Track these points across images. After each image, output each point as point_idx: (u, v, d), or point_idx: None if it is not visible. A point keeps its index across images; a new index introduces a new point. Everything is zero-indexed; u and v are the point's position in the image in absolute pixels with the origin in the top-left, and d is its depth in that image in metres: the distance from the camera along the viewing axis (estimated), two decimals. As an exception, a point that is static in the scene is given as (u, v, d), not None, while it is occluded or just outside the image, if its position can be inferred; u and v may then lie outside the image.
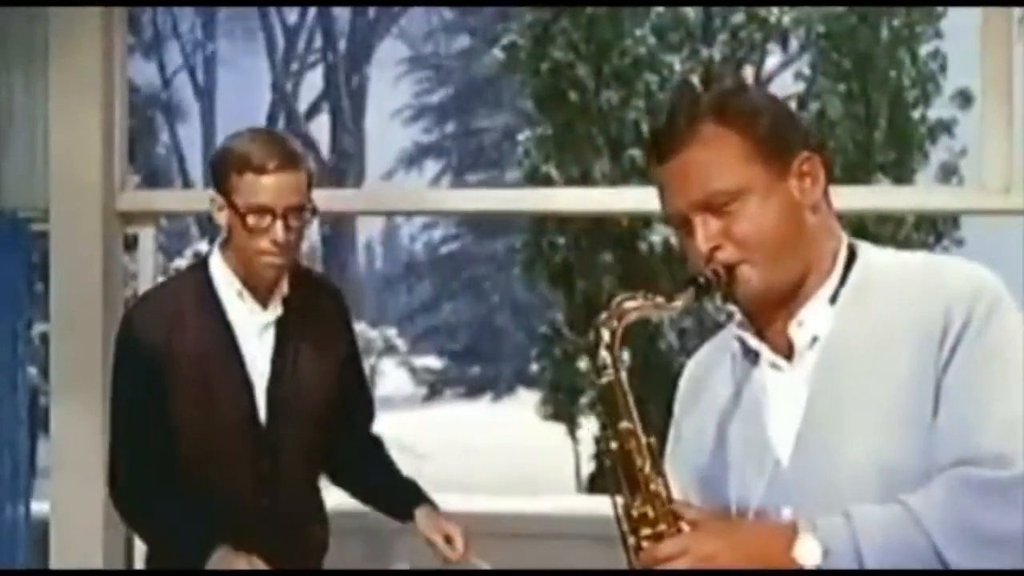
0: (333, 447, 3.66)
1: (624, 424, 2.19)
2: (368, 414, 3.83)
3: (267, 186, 3.37)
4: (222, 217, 3.46)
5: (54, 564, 4.93)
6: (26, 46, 5.07)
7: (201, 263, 3.61)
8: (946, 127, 18.48)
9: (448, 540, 3.51)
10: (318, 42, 27.27)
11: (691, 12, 18.63)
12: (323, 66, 27.31)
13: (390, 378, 26.90)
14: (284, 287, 3.54)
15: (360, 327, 22.34)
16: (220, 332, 3.50)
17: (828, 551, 2.08)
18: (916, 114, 18.45)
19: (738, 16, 18.59)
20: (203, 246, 20.88)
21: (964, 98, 17.88)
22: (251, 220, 3.37)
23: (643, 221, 17.09)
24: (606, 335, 2.19)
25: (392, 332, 27.17)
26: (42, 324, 5.75)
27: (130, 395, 3.53)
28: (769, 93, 2.51)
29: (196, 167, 26.14)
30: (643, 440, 2.18)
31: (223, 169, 3.43)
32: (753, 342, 2.34)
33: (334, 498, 3.81)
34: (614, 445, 2.19)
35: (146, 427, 3.47)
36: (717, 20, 18.73)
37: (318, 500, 3.72)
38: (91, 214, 4.97)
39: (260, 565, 3.31)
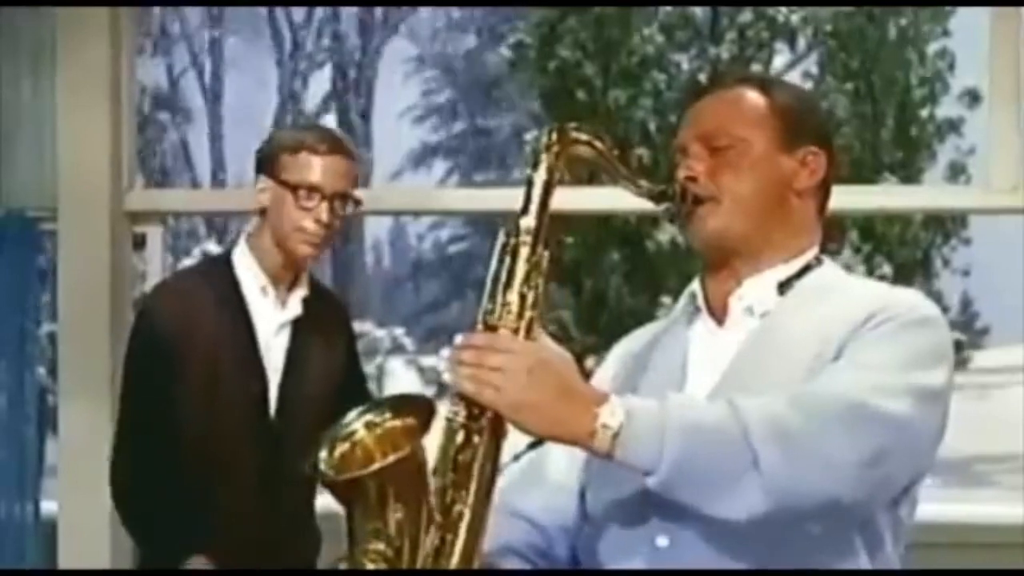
0: None
1: (528, 223, 2.18)
2: None
3: (319, 166, 3.46)
4: (265, 199, 3.50)
5: (62, 563, 4.94)
6: (34, 46, 5.09)
7: (223, 256, 3.64)
8: (954, 126, 18.45)
9: None
10: (326, 42, 27.25)
11: (699, 11, 18.62)
12: (330, 66, 27.29)
13: (398, 377, 26.85)
14: (305, 288, 3.57)
15: (368, 326, 22.36)
16: (239, 325, 3.52)
17: (631, 415, 2.02)
18: (924, 113, 18.43)
19: (746, 15, 18.58)
20: (211, 246, 20.91)
21: (972, 97, 17.84)
22: (301, 195, 3.43)
23: (650, 220, 17.08)
24: (553, 138, 2.29)
25: (400, 331, 27.13)
26: (50, 323, 5.75)
27: (141, 379, 3.53)
28: (814, 94, 2.62)
29: (203, 166, 26.13)
30: (538, 247, 2.16)
31: (274, 151, 3.51)
32: (700, 298, 2.38)
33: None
34: (512, 240, 2.18)
35: (153, 413, 3.48)
36: (725, 19, 18.71)
37: (312, 506, 3.73)
38: (99, 214, 4.98)
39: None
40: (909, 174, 17.82)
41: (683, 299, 2.43)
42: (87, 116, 5.00)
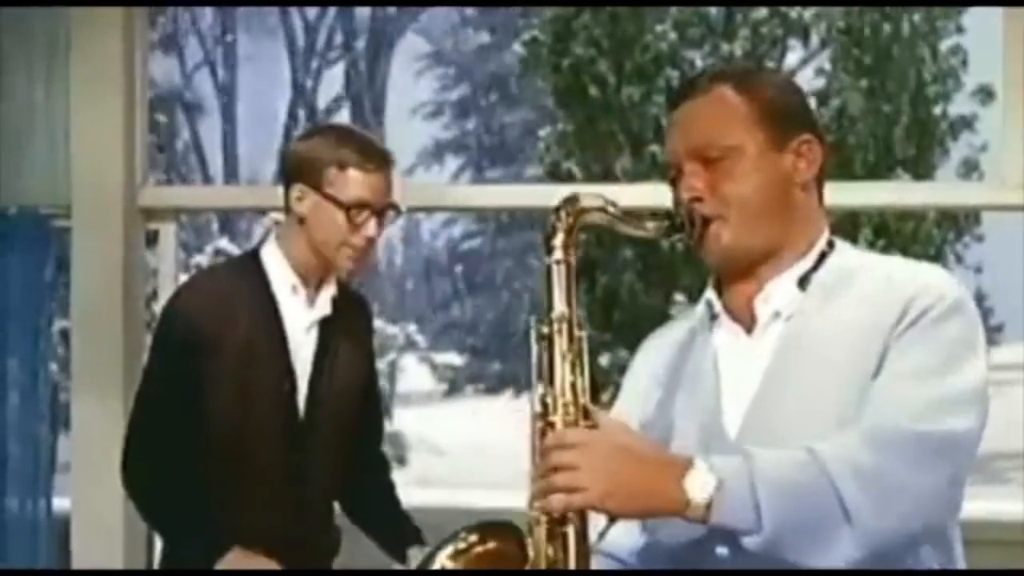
0: (351, 461, 3.69)
1: (560, 310, 2.18)
2: (379, 431, 3.88)
3: (371, 184, 3.46)
4: (303, 208, 3.49)
5: (75, 560, 4.95)
6: (48, 44, 5.09)
7: (251, 254, 3.63)
8: (967, 123, 18.39)
9: None
10: (338, 38, 27.25)
11: (712, 8, 18.59)
12: (343, 62, 27.29)
13: (410, 374, 26.86)
14: (333, 287, 3.58)
15: (380, 323, 22.33)
16: (271, 323, 3.52)
17: (723, 483, 2.04)
18: (937, 110, 18.37)
19: (759, 12, 18.55)
20: (224, 242, 20.91)
21: (985, 94, 17.78)
22: (352, 213, 3.43)
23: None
24: (565, 218, 2.21)
25: (412, 328, 27.12)
26: (63, 320, 5.76)
27: (166, 374, 3.51)
28: (788, 77, 2.59)
29: (216, 163, 26.14)
30: (575, 332, 2.17)
31: (318, 162, 3.48)
32: (718, 306, 2.37)
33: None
34: (544, 329, 2.18)
35: (177, 409, 3.47)
36: (738, 16, 18.68)
37: (331, 504, 3.74)
38: (112, 210, 4.99)
39: (270, 565, 3.33)
40: (922, 171, 17.77)
41: (701, 307, 2.42)
42: (100, 113, 5.01)
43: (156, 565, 3.94)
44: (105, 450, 4.72)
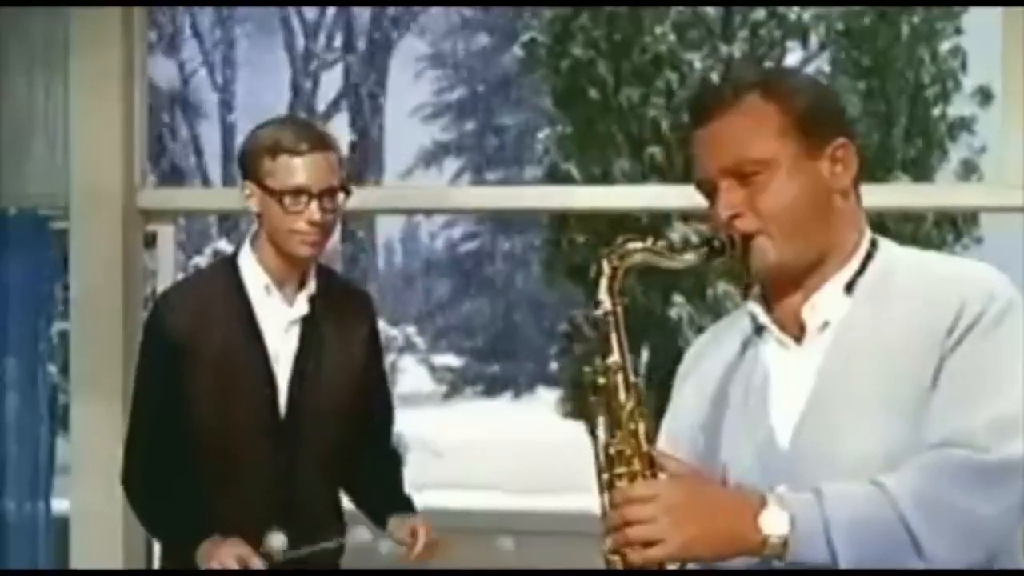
0: (351, 455, 3.68)
1: (614, 359, 2.17)
2: (387, 423, 3.87)
3: (302, 167, 3.41)
4: (253, 203, 3.49)
5: (74, 561, 4.95)
6: (47, 45, 5.09)
7: (230, 258, 3.63)
8: (966, 124, 18.40)
9: (412, 534, 3.50)
10: (337, 40, 27.25)
11: (711, 10, 18.59)
12: (342, 64, 27.29)
13: (410, 376, 26.85)
14: (312, 286, 3.57)
15: (379, 325, 22.28)
16: (246, 326, 3.52)
17: (795, 520, 2.06)
18: (936, 111, 18.38)
19: (758, 14, 18.55)
20: (222, 244, 20.91)
21: (984, 95, 17.79)
22: (287, 201, 3.40)
23: (663, 218, 17.06)
24: (607, 268, 2.19)
25: (412, 330, 27.13)
26: (62, 322, 5.76)
27: (152, 382, 3.55)
28: (815, 78, 2.54)
29: (215, 165, 26.19)
30: (630, 378, 2.17)
31: (255, 155, 3.46)
32: (763, 318, 2.34)
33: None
34: (600, 380, 2.17)
35: (164, 414, 3.50)
36: (737, 17, 18.68)
37: (335, 501, 3.72)
38: (111, 212, 4.99)
39: (244, 550, 3.33)
40: (921, 172, 17.78)
41: (744, 318, 2.40)
42: (100, 115, 5.01)
43: (156, 566, 3.95)
44: (104, 452, 4.72)
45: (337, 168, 3.48)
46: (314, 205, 3.42)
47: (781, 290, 2.32)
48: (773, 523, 2.06)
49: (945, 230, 18.05)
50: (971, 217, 17.40)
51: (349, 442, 3.65)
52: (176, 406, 3.48)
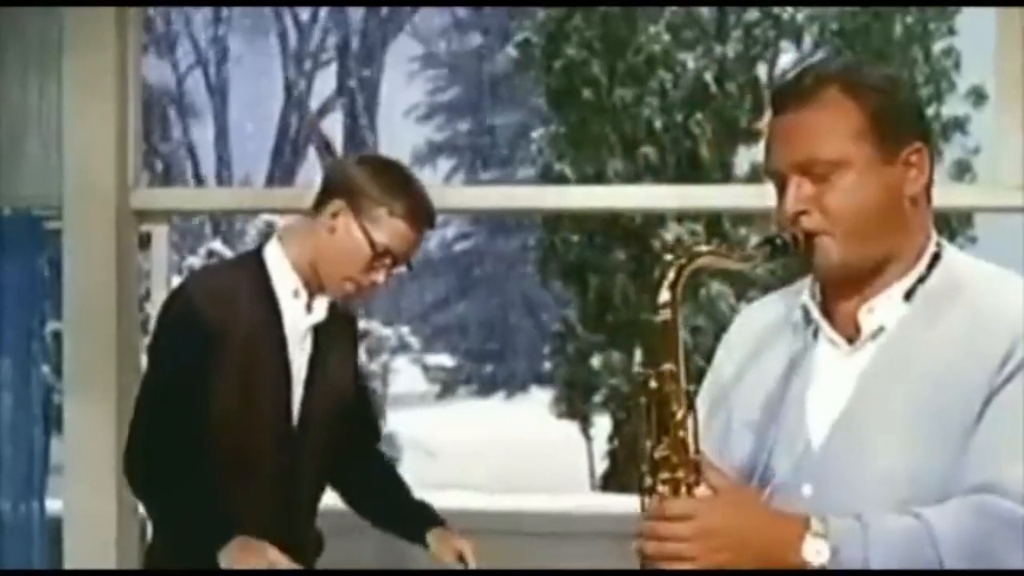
0: (346, 464, 3.69)
1: (668, 365, 2.15)
2: (375, 432, 3.90)
3: (410, 241, 3.46)
4: (335, 223, 3.46)
5: (68, 562, 4.94)
6: (41, 46, 5.08)
7: (254, 253, 3.61)
8: (960, 124, 18.45)
9: (460, 558, 3.53)
10: (331, 40, 27.24)
11: (705, 10, 18.62)
12: (336, 64, 27.28)
13: (403, 376, 26.84)
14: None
15: (373, 325, 22.30)
16: (272, 324, 3.49)
17: (837, 552, 2.06)
18: (930, 111, 18.38)
19: (752, 14, 18.58)
20: (216, 244, 20.90)
21: (978, 95, 17.84)
22: (378, 258, 3.43)
23: (657, 218, 17.08)
24: (671, 273, 2.17)
25: (405, 330, 27.11)
26: (55, 322, 5.75)
27: (174, 363, 3.47)
28: (900, 77, 2.49)
29: (209, 165, 26.14)
30: (682, 386, 2.14)
31: (370, 198, 3.44)
32: (816, 314, 2.32)
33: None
34: (653, 384, 2.15)
35: (183, 400, 3.43)
36: (731, 17, 18.70)
37: (316, 508, 3.72)
38: (105, 212, 4.98)
39: (276, 555, 3.30)
40: (915, 172, 17.80)
41: (795, 311, 2.37)
42: (93, 115, 5.00)
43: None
44: (98, 452, 4.72)
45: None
46: (386, 271, 3.46)
47: (839, 290, 2.30)
48: (814, 553, 2.06)
49: (939, 230, 18.04)
50: (965, 217, 17.41)
51: (348, 450, 3.67)
52: (199, 393, 3.42)
